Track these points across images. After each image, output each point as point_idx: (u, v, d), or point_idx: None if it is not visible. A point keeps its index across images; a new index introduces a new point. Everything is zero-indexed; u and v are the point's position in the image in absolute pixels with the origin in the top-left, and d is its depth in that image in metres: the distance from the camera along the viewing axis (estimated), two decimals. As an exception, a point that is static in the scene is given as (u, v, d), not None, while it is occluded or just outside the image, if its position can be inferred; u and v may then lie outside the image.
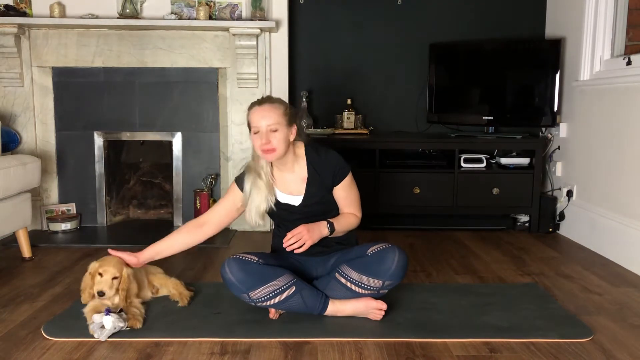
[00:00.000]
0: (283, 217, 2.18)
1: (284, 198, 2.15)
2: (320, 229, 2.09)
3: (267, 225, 3.59)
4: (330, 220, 2.12)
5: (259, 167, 2.13)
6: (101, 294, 1.95)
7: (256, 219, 2.13)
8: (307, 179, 2.13)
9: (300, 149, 2.15)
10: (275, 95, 3.59)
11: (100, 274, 1.99)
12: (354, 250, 2.16)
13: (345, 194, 2.16)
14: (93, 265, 2.04)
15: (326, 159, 2.13)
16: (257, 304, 2.05)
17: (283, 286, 2.02)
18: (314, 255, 2.19)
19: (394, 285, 2.09)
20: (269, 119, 2.03)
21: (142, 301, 2.14)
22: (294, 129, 2.10)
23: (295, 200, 2.14)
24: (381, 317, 2.06)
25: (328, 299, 2.08)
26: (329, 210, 2.17)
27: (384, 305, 2.06)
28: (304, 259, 2.20)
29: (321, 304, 2.06)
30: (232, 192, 2.21)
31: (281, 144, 2.03)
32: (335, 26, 3.86)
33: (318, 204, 2.13)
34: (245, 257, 2.07)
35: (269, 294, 2.01)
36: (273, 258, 2.15)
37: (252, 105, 2.09)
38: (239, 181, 2.19)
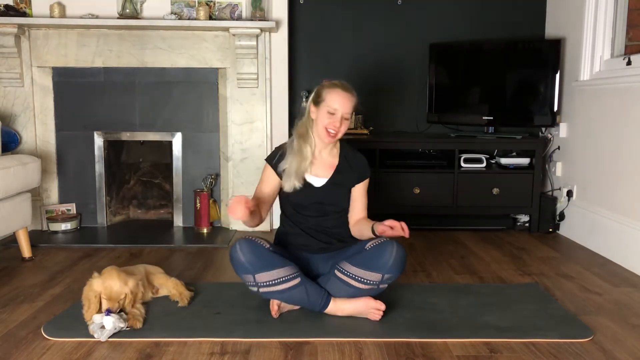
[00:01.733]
0: (299, 199, 2.22)
1: (308, 178, 2.22)
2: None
3: (267, 225, 3.59)
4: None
5: (309, 137, 2.22)
6: (109, 309, 1.94)
7: (292, 181, 2.18)
8: (337, 167, 2.25)
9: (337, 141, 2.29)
10: (275, 95, 3.63)
11: (106, 299, 1.96)
12: (353, 247, 2.20)
13: (361, 195, 2.29)
14: (97, 287, 1.97)
15: (356, 157, 2.31)
16: (260, 290, 2.06)
17: (289, 275, 2.05)
18: (317, 252, 2.23)
19: (393, 279, 2.10)
20: (348, 108, 2.17)
21: (142, 301, 2.13)
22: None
23: (318, 182, 2.23)
24: (380, 317, 2.06)
25: (330, 296, 2.09)
26: (341, 202, 2.27)
27: (382, 306, 2.06)
28: (308, 255, 2.23)
29: (323, 300, 2.07)
30: (268, 176, 2.26)
31: (343, 132, 2.19)
32: (335, 26, 3.86)
33: (336, 193, 2.24)
34: (257, 240, 2.10)
35: (274, 280, 2.04)
36: (280, 249, 2.19)
37: (335, 85, 2.19)
38: (272, 160, 2.26)
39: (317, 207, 2.22)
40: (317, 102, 2.20)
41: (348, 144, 2.33)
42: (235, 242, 2.11)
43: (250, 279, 2.07)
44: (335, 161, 2.26)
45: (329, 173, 2.24)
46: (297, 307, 2.15)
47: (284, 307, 2.13)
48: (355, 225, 2.28)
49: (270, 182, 2.25)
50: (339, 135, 2.19)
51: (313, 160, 2.22)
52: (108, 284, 1.97)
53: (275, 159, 2.25)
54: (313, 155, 2.22)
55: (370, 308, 2.07)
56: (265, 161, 2.31)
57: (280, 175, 2.22)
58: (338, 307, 2.09)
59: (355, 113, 3.77)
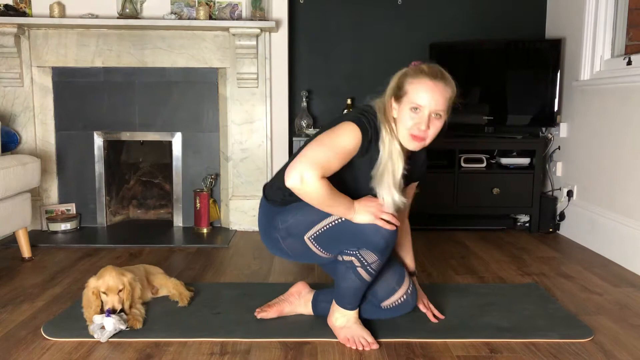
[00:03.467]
0: (363, 186, 1.80)
1: None
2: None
3: (267, 225, 3.59)
4: (414, 269, 2.15)
5: (394, 131, 1.76)
6: (114, 311, 1.94)
7: (398, 193, 1.74)
8: (407, 168, 1.83)
9: None
10: (275, 95, 3.63)
11: (105, 293, 1.97)
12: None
13: (407, 192, 1.96)
14: (94, 284, 1.99)
15: (421, 155, 1.96)
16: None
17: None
18: None
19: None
20: (439, 103, 1.71)
21: (142, 301, 2.13)
22: (448, 117, 1.78)
23: None
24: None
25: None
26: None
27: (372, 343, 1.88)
28: None
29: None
30: (355, 144, 1.72)
31: (435, 135, 1.75)
32: (335, 26, 3.85)
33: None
34: None
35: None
36: None
37: (420, 73, 1.73)
38: (366, 135, 1.72)
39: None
40: (398, 95, 1.75)
41: None
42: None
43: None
44: (405, 155, 1.83)
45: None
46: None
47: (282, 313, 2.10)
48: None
49: (344, 162, 1.73)
50: (427, 141, 1.75)
51: None
52: (104, 278, 1.98)
53: (367, 141, 1.72)
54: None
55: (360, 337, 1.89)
56: (357, 128, 1.70)
57: (361, 164, 1.75)
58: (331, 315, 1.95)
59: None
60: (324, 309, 2.04)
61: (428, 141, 1.76)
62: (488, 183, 3.56)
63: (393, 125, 1.76)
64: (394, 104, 1.76)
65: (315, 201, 1.71)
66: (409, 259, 2.15)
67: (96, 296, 1.97)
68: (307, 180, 1.65)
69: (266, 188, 1.97)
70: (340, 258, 1.86)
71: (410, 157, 1.86)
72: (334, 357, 1.80)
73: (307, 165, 1.66)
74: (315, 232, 1.83)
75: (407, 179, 1.84)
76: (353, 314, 1.92)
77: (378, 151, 1.75)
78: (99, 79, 3.53)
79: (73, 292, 2.36)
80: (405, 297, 2.00)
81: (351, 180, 1.78)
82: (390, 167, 1.74)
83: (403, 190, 1.83)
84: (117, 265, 2.13)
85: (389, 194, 1.74)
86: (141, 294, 2.13)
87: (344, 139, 1.71)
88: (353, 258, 1.82)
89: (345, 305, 1.91)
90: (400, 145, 1.76)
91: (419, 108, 1.71)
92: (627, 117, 2.84)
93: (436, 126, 1.73)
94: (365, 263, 1.81)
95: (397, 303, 2.00)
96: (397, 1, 3.84)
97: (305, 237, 1.85)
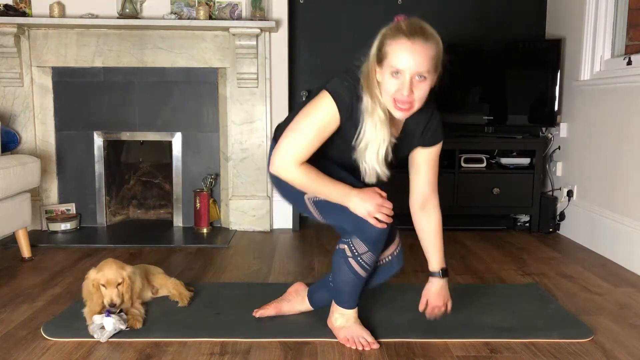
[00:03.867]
0: (349, 161, 1.77)
1: None
2: (443, 287, 1.93)
3: (268, 225, 3.59)
4: (437, 269, 1.92)
5: (378, 99, 1.64)
6: (113, 305, 1.94)
7: (379, 166, 1.67)
8: (400, 135, 1.77)
9: None
10: (275, 95, 3.63)
11: (104, 286, 1.97)
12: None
13: (426, 162, 1.84)
14: (93, 276, 2.00)
15: (430, 120, 1.77)
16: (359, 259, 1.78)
17: None
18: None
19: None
20: (420, 64, 1.55)
21: (141, 301, 2.13)
22: (439, 75, 1.64)
23: None
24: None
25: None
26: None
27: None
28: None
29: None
30: (331, 122, 1.67)
31: (422, 99, 1.60)
32: (335, 26, 3.85)
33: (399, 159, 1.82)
34: None
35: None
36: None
37: (398, 32, 1.58)
38: (342, 105, 1.65)
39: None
40: (379, 58, 1.61)
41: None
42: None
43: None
44: (399, 127, 1.76)
45: (394, 136, 1.74)
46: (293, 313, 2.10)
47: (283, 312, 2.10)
48: (422, 210, 1.89)
49: (328, 135, 1.68)
50: (416, 106, 1.60)
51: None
52: (104, 271, 1.98)
53: (346, 108, 1.65)
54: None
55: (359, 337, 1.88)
56: (331, 99, 1.64)
57: (344, 137, 1.69)
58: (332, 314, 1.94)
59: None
60: (320, 298, 2.04)
61: (416, 106, 1.61)
62: (488, 183, 3.56)
63: (377, 91, 1.64)
64: (377, 68, 1.64)
65: (301, 187, 1.72)
66: (434, 257, 1.92)
67: (96, 288, 1.98)
68: (285, 171, 1.69)
69: (277, 130, 1.88)
70: (337, 246, 1.84)
71: (414, 129, 1.75)
72: (334, 357, 1.79)
73: (282, 158, 1.68)
74: (316, 196, 1.77)
75: (418, 143, 1.77)
76: (352, 314, 1.91)
77: (360, 119, 1.66)
78: (99, 79, 3.53)
79: (73, 292, 2.36)
80: (389, 258, 1.92)
81: (341, 143, 1.73)
82: (373, 137, 1.65)
83: (413, 157, 1.81)
84: (117, 265, 2.13)
85: (370, 167, 1.69)
86: (141, 293, 2.13)
87: (318, 117, 1.67)
88: (345, 246, 1.79)
89: (343, 304, 1.90)
90: (388, 113, 1.65)
91: (399, 72, 1.57)
92: (627, 117, 2.84)
93: (421, 89, 1.58)
94: (357, 253, 1.78)
95: (380, 263, 1.91)
96: (397, 1, 3.84)
97: (305, 197, 1.80)
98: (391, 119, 1.69)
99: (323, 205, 1.78)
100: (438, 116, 1.80)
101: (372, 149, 1.67)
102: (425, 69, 1.56)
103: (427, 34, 1.59)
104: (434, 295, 1.95)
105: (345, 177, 1.75)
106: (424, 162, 1.84)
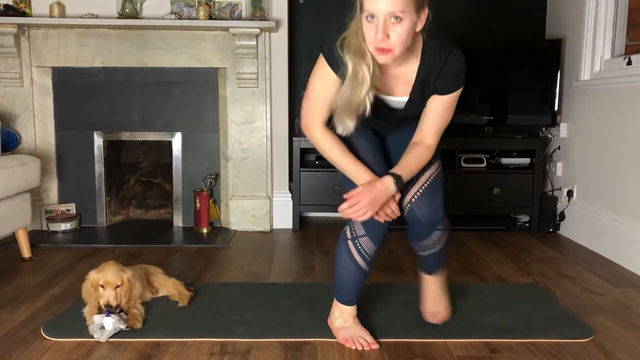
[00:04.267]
0: (375, 124, 1.83)
1: (384, 98, 1.73)
2: (386, 193, 1.68)
3: (267, 224, 3.59)
4: (396, 172, 1.70)
5: (364, 52, 1.58)
6: (109, 307, 1.94)
7: (344, 119, 1.64)
8: (414, 84, 1.68)
9: (418, 42, 1.63)
10: (275, 95, 3.63)
11: (102, 286, 1.97)
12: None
13: (434, 110, 1.72)
14: (93, 277, 2.00)
15: (446, 64, 1.66)
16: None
17: None
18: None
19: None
20: (392, 4, 1.46)
21: (142, 302, 2.13)
22: (424, 15, 1.57)
23: (394, 102, 1.74)
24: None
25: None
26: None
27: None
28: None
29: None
30: (327, 80, 1.69)
31: (402, 42, 1.51)
32: (336, 26, 3.84)
33: (417, 111, 1.75)
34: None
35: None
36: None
37: None
38: (332, 60, 1.64)
39: (392, 126, 1.81)
40: (361, 6, 1.55)
41: (436, 43, 1.67)
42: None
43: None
44: (413, 75, 1.67)
45: (405, 91, 1.69)
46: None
47: None
48: (411, 145, 1.75)
49: (333, 92, 1.68)
50: (398, 49, 1.51)
51: (383, 78, 1.64)
52: (104, 272, 1.98)
53: (336, 60, 1.63)
54: (375, 77, 1.60)
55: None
56: (323, 59, 1.67)
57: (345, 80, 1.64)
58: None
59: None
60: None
61: (397, 50, 1.51)
62: (488, 183, 3.56)
63: (362, 41, 1.58)
64: (361, 20, 1.57)
65: (323, 153, 1.79)
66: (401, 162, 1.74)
67: (95, 288, 1.98)
68: (308, 133, 1.78)
69: None
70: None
71: (429, 74, 1.66)
72: (334, 357, 1.79)
73: (302, 121, 1.82)
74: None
75: (436, 91, 1.69)
76: (350, 312, 1.91)
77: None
78: (99, 79, 3.53)
79: (73, 292, 2.36)
80: (409, 205, 1.79)
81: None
82: (352, 89, 1.60)
83: (430, 100, 1.70)
84: (117, 265, 2.13)
85: (340, 120, 1.66)
86: (141, 294, 2.13)
87: (316, 76, 1.74)
88: (347, 228, 1.83)
89: (341, 297, 1.90)
90: (376, 62, 1.58)
91: (373, 15, 1.49)
92: (627, 117, 2.84)
93: (398, 31, 1.49)
94: (355, 235, 1.80)
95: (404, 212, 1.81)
96: (397, 1, 3.83)
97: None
98: (396, 72, 1.65)
99: (345, 179, 1.82)
100: (458, 60, 1.68)
101: (349, 101, 1.62)
102: (399, 9, 1.46)
103: None
104: (371, 187, 1.68)
105: (372, 161, 1.78)
106: (433, 108, 1.72)
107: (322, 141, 1.75)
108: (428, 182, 1.81)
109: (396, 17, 1.48)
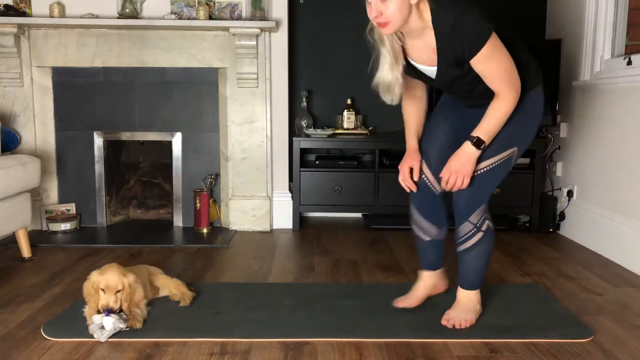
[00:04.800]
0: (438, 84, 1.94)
1: (420, 67, 1.87)
2: (468, 157, 1.85)
3: (267, 224, 3.59)
4: (474, 134, 1.83)
5: (382, 36, 1.83)
6: (108, 309, 1.94)
7: (384, 93, 1.96)
8: (437, 51, 1.77)
9: (425, 11, 1.72)
10: (275, 95, 3.62)
11: (103, 290, 1.96)
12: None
13: (485, 68, 1.75)
14: (95, 279, 1.99)
15: (455, 30, 1.69)
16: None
17: None
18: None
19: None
20: None
21: (146, 302, 2.11)
22: None
23: (431, 71, 1.84)
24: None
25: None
26: (477, 77, 1.80)
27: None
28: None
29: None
30: (383, 56, 1.92)
31: (397, 13, 1.67)
32: (335, 26, 3.85)
33: (460, 78, 1.82)
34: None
35: None
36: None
37: None
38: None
39: (470, 98, 1.92)
40: None
41: (443, 10, 1.72)
42: None
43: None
44: (433, 42, 1.76)
45: (434, 59, 1.79)
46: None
47: None
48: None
49: (398, 69, 1.88)
50: (394, 21, 1.69)
51: (406, 44, 1.83)
52: (106, 275, 1.97)
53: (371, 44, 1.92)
54: (396, 53, 1.83)
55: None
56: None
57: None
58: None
59: (355, 113, 3.80)
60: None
61: (394, 21, 1.70)
62: (488, 183, 3.55)
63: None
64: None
65: None
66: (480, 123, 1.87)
67: (95, 291, 1.97)
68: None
69: None
70: None
71: (443, 41, 1.74)
72: (333, 357, 1.80)
73: None
74: None
75: (467, 57, 1.74)
76: (423, 276, 2.22)
77: None
78: (98, 79, 3.53)
79: (73, 292, 2.36)
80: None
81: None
82: (380, 67, 1.93)
83: (473, 65, 1.78)
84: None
85: (382, 93, 1.98)
86: (144, 295, 2.11)
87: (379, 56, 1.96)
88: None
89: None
90: (396, 42, 1.84)
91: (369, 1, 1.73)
92: (627, 117, 2.84)
93: (389, 6, 1.67)
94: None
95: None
96: (397, 1, 3.83)
97: None
98: (421, 44, 1.80)
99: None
100: (464, 21, 1.71)
101: (382, 69, 1.93)
102: None
103: None
104: (454, 157, 1.90)
105: (427, 135, 2.17)
106: (480, 71, 1.78)
107: (403, 108, 2.19)
108: (482, 170, 1.94)
109: None
